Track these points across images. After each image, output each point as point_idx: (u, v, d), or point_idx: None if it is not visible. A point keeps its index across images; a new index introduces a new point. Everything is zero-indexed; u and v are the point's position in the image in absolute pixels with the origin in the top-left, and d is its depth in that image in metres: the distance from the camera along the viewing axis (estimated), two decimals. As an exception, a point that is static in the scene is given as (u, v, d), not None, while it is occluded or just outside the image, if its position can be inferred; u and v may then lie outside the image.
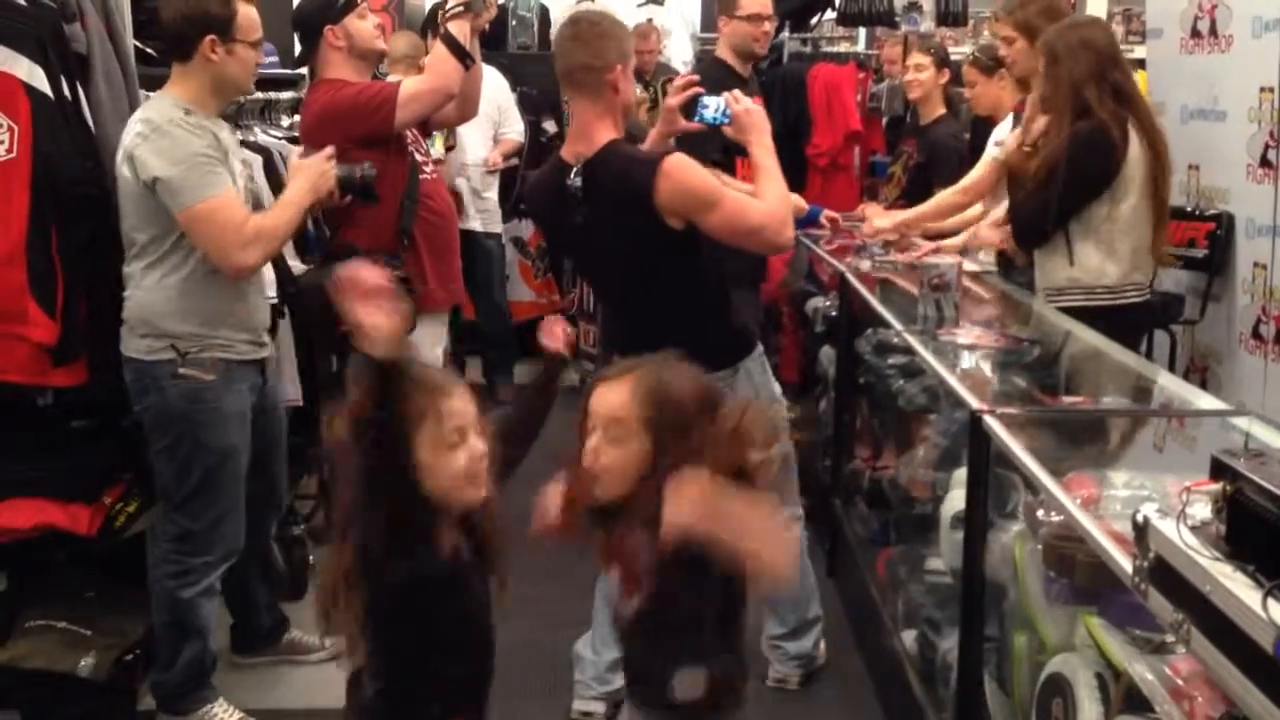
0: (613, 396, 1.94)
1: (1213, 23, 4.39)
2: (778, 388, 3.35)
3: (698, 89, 3.14)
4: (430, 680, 1.94)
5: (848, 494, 4.19)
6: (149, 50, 3.58)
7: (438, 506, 1.89)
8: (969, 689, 2.52)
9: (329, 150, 3.23)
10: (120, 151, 2.98)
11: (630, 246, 2.97)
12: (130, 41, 3.36)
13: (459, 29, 3.64)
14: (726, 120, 3.07)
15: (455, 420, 1.87)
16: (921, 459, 3.49)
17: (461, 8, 3.64)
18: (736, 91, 3.10)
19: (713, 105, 3.08)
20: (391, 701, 1.93)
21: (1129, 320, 3.59)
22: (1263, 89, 4.07)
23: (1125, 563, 1.69)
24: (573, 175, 2.93)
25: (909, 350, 3.29)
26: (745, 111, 3.03)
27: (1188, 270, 4.28)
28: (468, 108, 4.01)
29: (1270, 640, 1.32)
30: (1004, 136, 4.13)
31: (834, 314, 4.45)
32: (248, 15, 3.06)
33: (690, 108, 3.13)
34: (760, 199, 2.95)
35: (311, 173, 3.16)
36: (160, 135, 2.93)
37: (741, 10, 4.25)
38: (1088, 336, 3.17)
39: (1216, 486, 1.55)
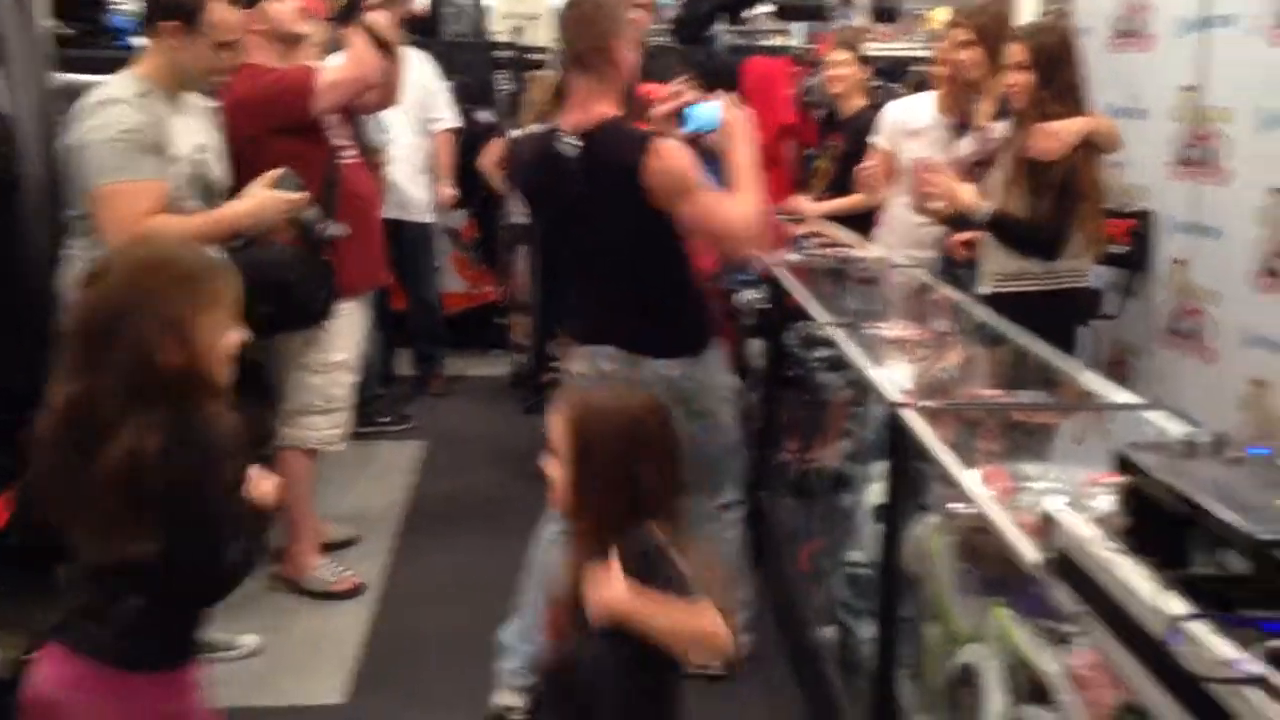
0: (555, 422, 2.10)
1: (1139, 22, 4.45)
2: (730, 378, 3.38)
3: (685, 99, 3.16)
4: None
5: (775, 486, 4.21)
6: (69, 31, 3.52)
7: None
8: (883, 679, 2.54)
9: (305, 195, 3.23)
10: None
11: (620, 220, 3.00)
12: (43, 23, 3.28)
13: (381, 19, 3.61)
14: (713, 128, 3.09)
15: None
16: (844, 451, 3.52)
17: None
18: (729, 99, 3.13)
19: (696, 115, 3.09)
20: None
21: (1075, 303, 3.80)
22: (1183, 88, 4.14)
23: (1031, 555, 1.71)
24: (565, 142, 2.96)
25: (834, 343, 3.30)
26: (732, 120, 3.07)
27: (1108, 266, 4.33)
28: (389, 96, 4.01)
29: (1163, 630, 1.34)
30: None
31: (764, 307, 4.46)
32: (223, 16, 3.08)
33: (679, 117, 3.14)
34: (733, 201, 2.99)
35: (262, 205, 3.13)
36: (98, 109, 2.96)
37: None
38: (1011, 331, 3.20)
39: (1121, 479, 1.57)
